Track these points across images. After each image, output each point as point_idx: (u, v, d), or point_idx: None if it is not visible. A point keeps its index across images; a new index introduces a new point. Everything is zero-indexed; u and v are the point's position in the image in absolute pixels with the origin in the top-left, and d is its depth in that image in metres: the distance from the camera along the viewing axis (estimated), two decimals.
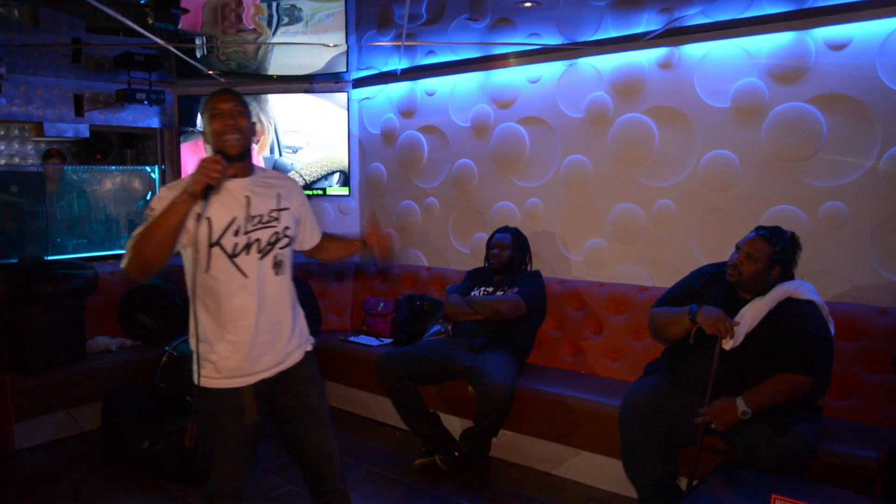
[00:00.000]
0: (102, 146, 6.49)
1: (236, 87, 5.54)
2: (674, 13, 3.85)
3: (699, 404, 2.97)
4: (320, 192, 5.56)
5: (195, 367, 2.36)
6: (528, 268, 4.45)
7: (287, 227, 2.44)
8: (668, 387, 3.15)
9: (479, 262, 4.78)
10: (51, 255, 5.25)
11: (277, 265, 2.40)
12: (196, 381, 2.37)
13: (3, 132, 6.43)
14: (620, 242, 4.36)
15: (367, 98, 5.69)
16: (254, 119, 2.41)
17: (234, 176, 2.39)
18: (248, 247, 2.35)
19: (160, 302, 5.12)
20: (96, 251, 5.58)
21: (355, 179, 5.77)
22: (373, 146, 5.72)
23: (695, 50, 3.99)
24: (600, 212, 4.44)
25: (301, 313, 2.56)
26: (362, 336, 5.10)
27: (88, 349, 4.92)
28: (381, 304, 5.18)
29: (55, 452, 4.38)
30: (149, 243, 2.14)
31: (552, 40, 4.41)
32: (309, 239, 2.65)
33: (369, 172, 5.75)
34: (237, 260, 2.33)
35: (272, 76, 5.30)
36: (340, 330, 5.46)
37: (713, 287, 3.19)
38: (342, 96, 5.49)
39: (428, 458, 4.01)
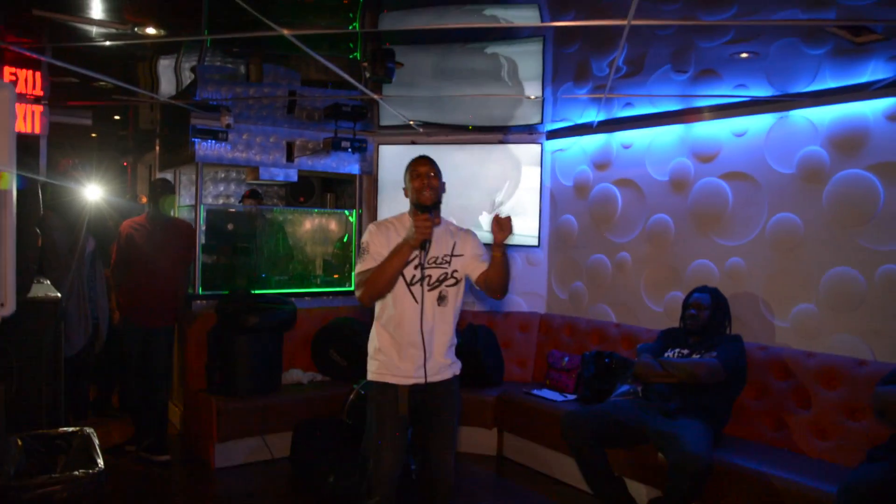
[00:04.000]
0: (306, 189, 6.99)
1: (433, 136, 5.80)
2: None
3: None
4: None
5: (369, 365, 3.06)
6: (728, 331, 4.21)
7: (455, 271, 3.06)
8: None
9: (673, 322, 4.61)
10: (256, 289, 5.68)
11: (441, 299, 3.02)
12: (368, 376, 3.06)
13: (223, 175, 7.12)
14: (835, 310, 4.02)
15: (560, 150, 5.74)
16: (443, 180, 3.11)
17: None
18: (422, 279, 2.99)
19: (351, 340, 5.37)
20: (296, 288, 5.97)
21: (545, 231, 5.80)
22: (564, 198, 5.74)
23: None
24: (812, 275, 4.13)
25: (455, 342, 3.11)
26: (545, 390, 5.05)
27: (283, 380, 5.26)
28: (567, 359, 5.12)
29: (249, 475, 4.68)
30: (382, 280, 2.89)
31: (761, 92, 4.23)
32: (477, 270, 3.10)
33: (559, 224, 5.76)
34: (412, 288, 2.98)
35: (467, 127, 5.47)
36: (522, 381, 5.46)
37: None
38: (535, 148, 5.57)
39: None
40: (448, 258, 3.05)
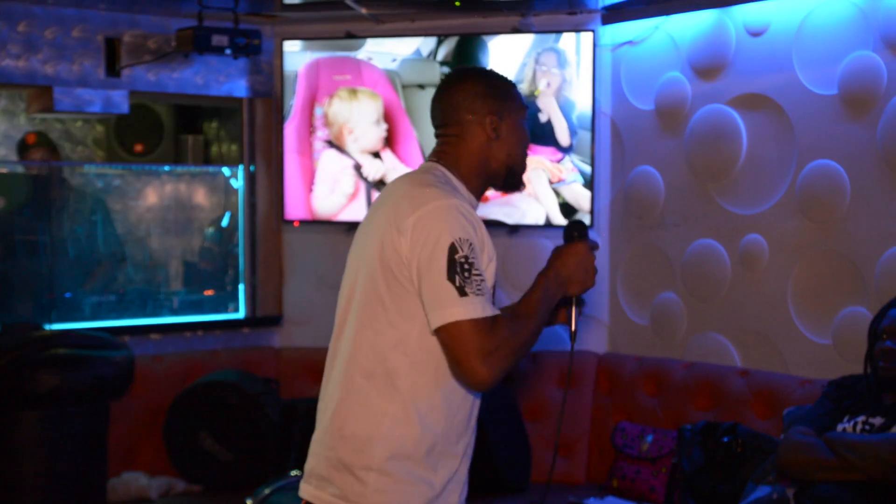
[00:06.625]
0: (145, 129, 6.84)
1: (389, 20, 5.75)
2: None
3: None
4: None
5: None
6: None
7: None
8: None
9: (850, 366, 4.57)
10: (55, 321, 5.55)
11: None
12: None
13: None
14: None
15: (628, 42, 5.72)
16: None
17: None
18: None
19: (239, 413, 5.34)
20: (132, 317, 5.86)
21: (603, 196, 5.80)
22: (639, 134, 5.74)
23: None
24: None
25: None
26: (611, 498, 5.12)
27: (110, 495, 5.13)
28: (650, 437, 5.13)
29: None
30: (525, 344, 2.56)
31: None
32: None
33: (631, 183, 5.75)
34: None
35: (455, 2, 5.40)
36: (568, 483, 5.48)
37: None
38: (581, 39, 5.53)
39: None
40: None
